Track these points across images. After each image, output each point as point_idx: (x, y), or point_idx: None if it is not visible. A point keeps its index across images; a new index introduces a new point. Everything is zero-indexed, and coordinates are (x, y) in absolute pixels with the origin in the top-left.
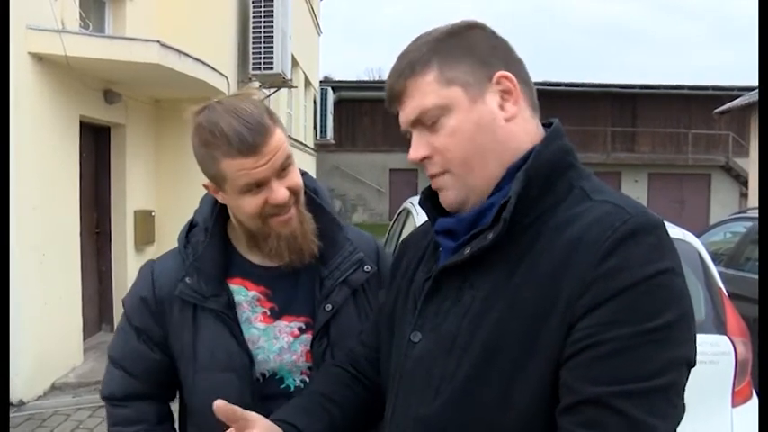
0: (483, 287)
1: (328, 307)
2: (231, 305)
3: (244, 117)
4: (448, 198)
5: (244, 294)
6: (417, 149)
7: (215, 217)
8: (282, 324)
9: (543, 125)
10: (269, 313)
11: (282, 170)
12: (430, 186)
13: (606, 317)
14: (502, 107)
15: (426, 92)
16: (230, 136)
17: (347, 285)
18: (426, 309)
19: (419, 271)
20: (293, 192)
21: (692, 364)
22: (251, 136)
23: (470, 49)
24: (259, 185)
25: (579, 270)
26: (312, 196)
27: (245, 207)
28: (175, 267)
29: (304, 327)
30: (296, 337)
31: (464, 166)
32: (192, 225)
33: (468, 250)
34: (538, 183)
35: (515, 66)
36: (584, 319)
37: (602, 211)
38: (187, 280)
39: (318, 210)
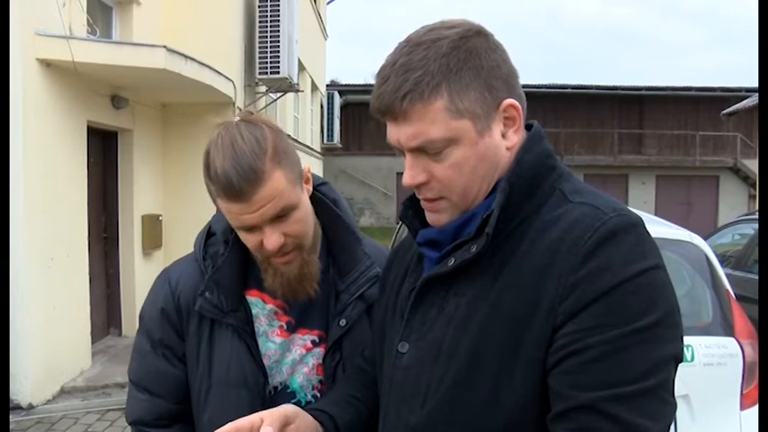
0: (467, 293)
1: (342, 322)
2: (249, 320)
3: (238, 157)
4: (441, 221)
5: (261, 307)
6: (415, 176)
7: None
8: (297, 337)
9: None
10: (285, 327)
11: (278, 217)
12: (411, 197)
13: (591, 320)
14: (504, 135)
15: (434, 120)
16: (220, 177)
17: (363, 301)
18: (413, 319)
19: (405, 282)
20: (292, 237)
21: (680, 359)
22: (239, 182)
23: (477, 69)
24: (250, 229)
25: (561, 273)
26: (331, 207)
27: (243, 240)
28: (195, 278)
29: (317, 340)
30: (308, 350)
31: (463, 195)
32: (209, 234)
33: (452, 261)
34: (520, 190)
35: (514, 82)
36: (569, 323)
37: (580, 212)
38: (207, 295)
39: (338, 221)
